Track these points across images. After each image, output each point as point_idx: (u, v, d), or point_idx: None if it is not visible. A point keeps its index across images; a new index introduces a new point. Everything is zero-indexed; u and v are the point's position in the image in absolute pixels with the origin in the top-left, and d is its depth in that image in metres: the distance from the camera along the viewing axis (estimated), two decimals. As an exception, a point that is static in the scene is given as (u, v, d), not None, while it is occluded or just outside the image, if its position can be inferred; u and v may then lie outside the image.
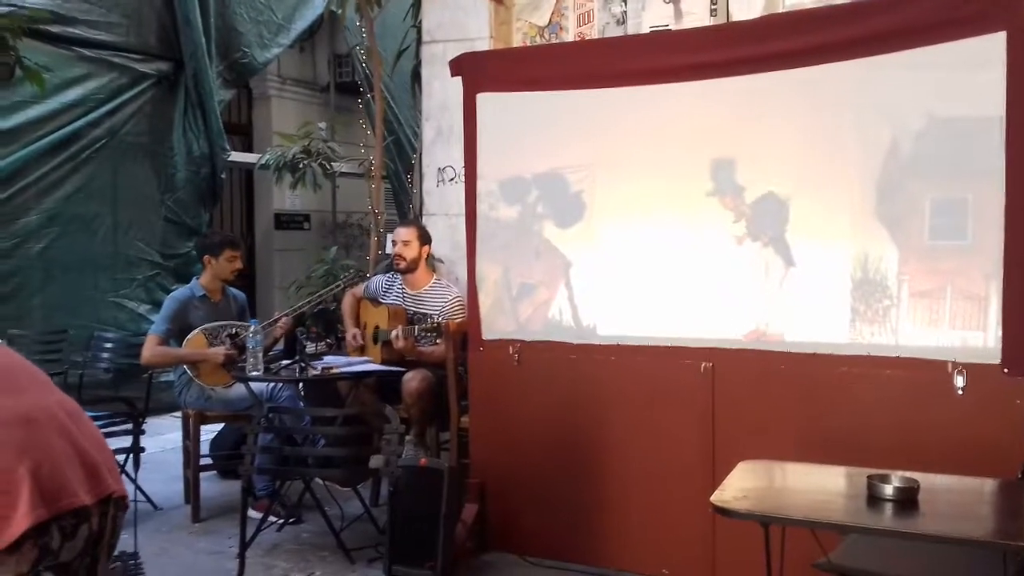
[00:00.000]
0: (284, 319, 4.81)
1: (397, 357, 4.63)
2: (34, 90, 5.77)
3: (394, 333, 4.51)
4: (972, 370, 3.04)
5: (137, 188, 7.05)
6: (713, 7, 4.46)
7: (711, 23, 4.43)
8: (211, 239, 4.94)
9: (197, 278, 4.82)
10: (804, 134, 3.32)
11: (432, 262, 4.96)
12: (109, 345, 5.56)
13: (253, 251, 9.36)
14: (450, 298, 4.70)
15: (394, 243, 4.77)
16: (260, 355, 4.22)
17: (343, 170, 7.78)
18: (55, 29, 6.36)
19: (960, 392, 3.06)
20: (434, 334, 4.36)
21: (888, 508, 2.14)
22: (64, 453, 1.56)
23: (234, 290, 4.95)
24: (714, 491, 2.29)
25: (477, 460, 3.99)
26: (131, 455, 3.99)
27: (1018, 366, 2.98)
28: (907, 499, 2.15)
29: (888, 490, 2.18)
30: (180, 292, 4.82)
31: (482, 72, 3.91)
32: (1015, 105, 2.96)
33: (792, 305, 3.35)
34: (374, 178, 6.16)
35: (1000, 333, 3.00)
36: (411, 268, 4.73)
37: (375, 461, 3.53)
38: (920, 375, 3.13)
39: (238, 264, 4.81)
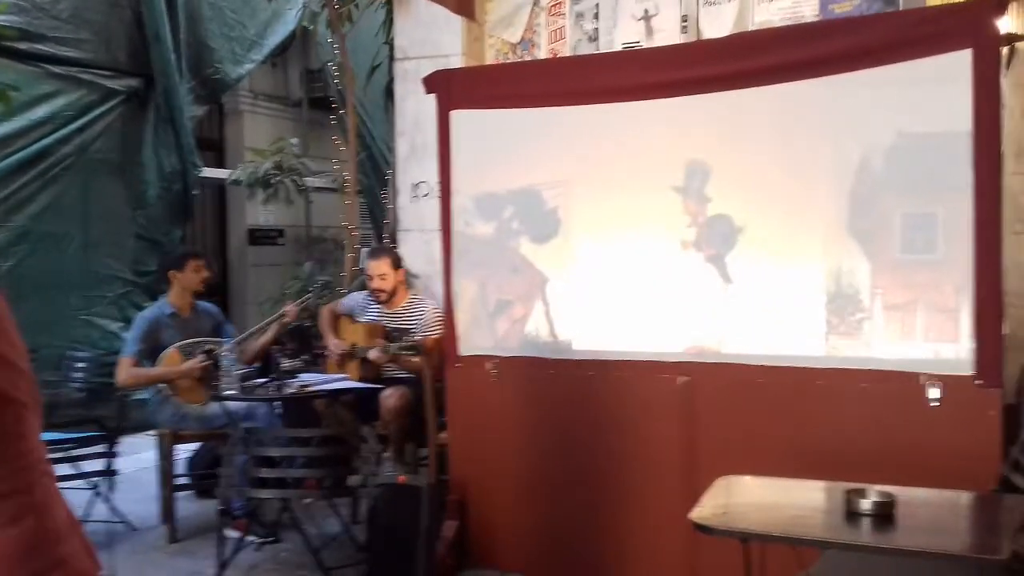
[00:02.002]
0: (293, 309, 4.79)
1: (374, 374, 4.62)
2: (2, 107, 5.70)
3: (372, 352, 4.50)
4: (945, 382, 3.08)
5: (108, 205, 6.97)
6: (684, 24, 4.51)
7: (682, 39, 4.48)
8: (172, 255, 4.94)
9: (165, 296, 4.77)
10: (776, 150, 3.36)
11: (408, 278, 4.96)
12: (81, 364, 5.49)
13: (227, 267, 9.29)
14: (428, 311, 4.70)
15: (370, 277, 4.75)
16: (235, 373, 4.18)
17: (317, 185, 7.76)
18: (23, 46, 6.28)
19: (934, 404, 3.10)
20: (413, 352, 4.36)
21: (866, 523, 2.16)
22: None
23: (206, 304, 4.91)
24: (693, 504, 2.30)
25: (456, 476, 3.98)
26: (105, 477, 3.95)
27: (990, 377, 3.03)
28: (884, 514, 2.18)
29: (865, 505, 2.20)
30: (149, 311, 4.77)
31: (456, 89, 3.92)
32: (981, 120, 3.01)
33: (767, 319, 3.38)
34: (348, 194, 6.14)
35: (972, 345, 3.05)
36: (392, 296, 4.73)
37: (353, 481, 3.51)
38: (894, 387, 3.17)
39: (204, 272, 4.77)
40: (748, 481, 2.64)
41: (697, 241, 3.48)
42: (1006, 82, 3.92)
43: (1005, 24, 3.42)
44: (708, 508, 2.26)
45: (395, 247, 5.15)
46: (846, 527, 2.17)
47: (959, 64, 3.03)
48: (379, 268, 4.70)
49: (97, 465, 4.34)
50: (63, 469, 4.26)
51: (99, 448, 4.38)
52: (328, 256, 9.21)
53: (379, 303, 4.75)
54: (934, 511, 2.38)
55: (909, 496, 2.36)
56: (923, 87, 3.10)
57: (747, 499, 2.50)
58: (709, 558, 3.38)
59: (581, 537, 3.73)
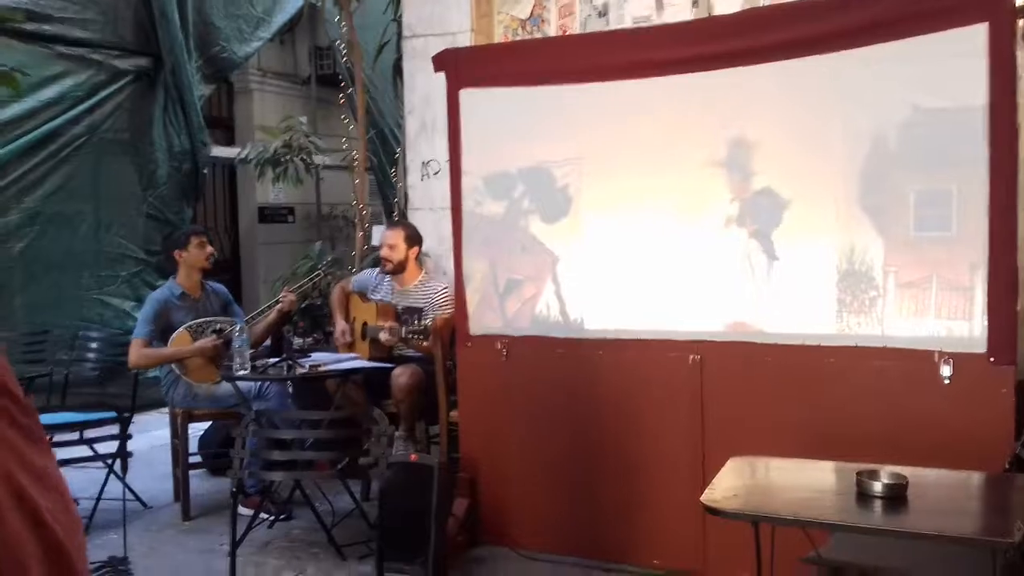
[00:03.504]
0: (289, 296, 4.79)
1: (385, 353, 4.63)
2: (10, 90, 5.69)
3: (382, 334, 4.50)
4: (958, 359, 3.06)
5: (118, 185, 6.98)
6: (695, -1, 4.45)
7: (693, 14, 4.42)
8: (174, 235, 4.93)
9: (174, 278, 4.77)
10: (790, 126, 3.33)
11: (421, 257, 4.95)
12: (94, 345, 5.52)
13: (237, 245, 9.31)
14: (439, 290, 4.69)
15: (381, 246, 4.76)
16: (247, 354, 4.20)
17: (326, 163, 7.73)
18: (30, 27, 6.26)
19: (947, 381, 3.08)
20: (421, 336, 4.35)
21: (877, 505, 2.15)
22: None
23: (215, 284, 4.92)
24: (703, 482, 2.30)
25: (467, 454, 4.00)
26: (119, 459, 3.97)
27: (1004, 355, 3.01)
28: (896, 495, 2.17)
29: (877, 487, 2.20)
30: (159, 292, 4.77)
31: (465, 68, 3.89)
32: (997, 95, 2.97)
33: (778, 296, 3.37)
34: (358, 172, 6.12)
35: (986, 322, 3.03)
36: (398, 270, 4.73)
37: (365, 461, 3.52)
38: (907, 365, 3.15)
39: (209, 248, 4.76)
40: (759, 462, 2.64)
41: (728, 218, 3.44)
42: (1022, 55, 3.86)
43: (1021, -3, 3.36)
44: (719, 490, 2.26)
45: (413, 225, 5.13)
46: (858, 509, 2.16)
47: (975, 38, 2.98)
48: (391, 238, 4.73)
49: (111, 447, 4.37)
50: (77, 451, 4.30)
51: (112, 430, 4.40)
52: (338, 233, 9.23)
53: (384, 272, 4.76)
54: (946, 492, 2.37)
55: (921, 477, 2.35)
56: (939, 61, 3.05)
57: (758, 480, 2.50)
58: (720, 536, 3.38)
59: (591, 515, 3.74)
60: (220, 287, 4.96)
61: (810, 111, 3.29)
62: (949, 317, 3.11)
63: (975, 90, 2.99)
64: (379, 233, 5.31)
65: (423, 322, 4.42)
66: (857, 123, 3.20)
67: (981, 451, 2.89)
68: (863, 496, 2.21)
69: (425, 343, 4.39)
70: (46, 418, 4.46)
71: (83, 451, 4.32)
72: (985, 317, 3.03)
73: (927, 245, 3.13)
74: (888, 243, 3.18)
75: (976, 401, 3.04)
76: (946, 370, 3.07)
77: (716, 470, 2.62)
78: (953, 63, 3.03)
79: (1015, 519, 1.98)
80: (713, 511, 2.15)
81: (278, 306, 4.77)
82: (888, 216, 3.18)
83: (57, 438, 4.31)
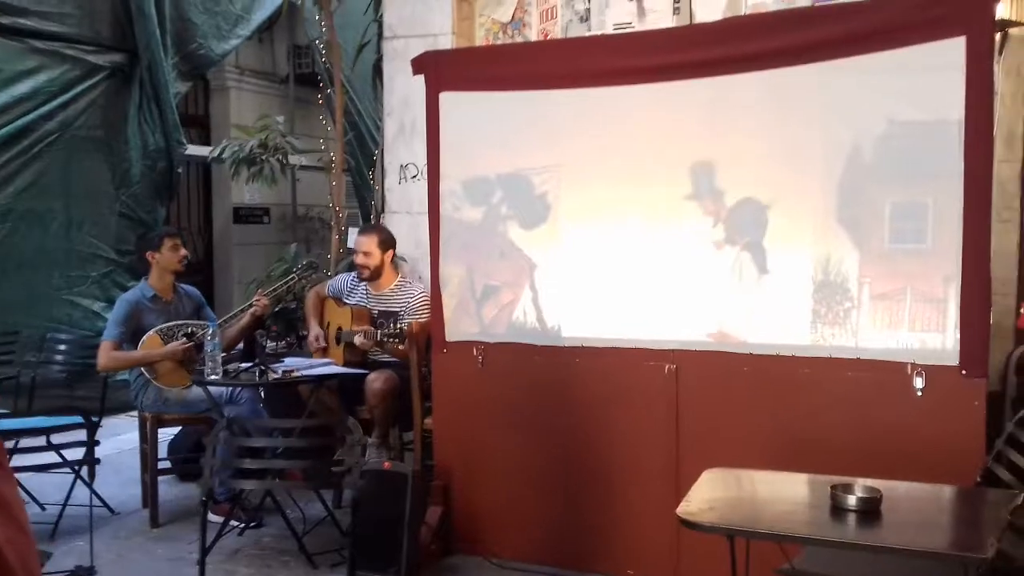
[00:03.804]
0: (263, 300, 4.73)
1: (360, 358, 4.59)
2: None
3: (357, 337, 4.47)
4: (931, 371, 3.08)
5: (91, 183, 6.87)
6: (676, 5, 4.45)
7: (674, 21, 4.43)
8: (147, 236, 4.86)
9: (146, 279, 4.70)
10: (768, 137, 3.32)
11: (396, 261, 4.91)
12: (63, 347, 5.43)
13: (211, 245, 9.21)
14: (415, 294, 4.66)
15: (355, 252, 4.71)
16: (219, 358, 4.14)
17: (303, 163, 7.67)
18: (5, 21, 6.17)
19: (919, 393, 3.09)
20: (397, 339, 4.32)
21: (851, 519, 2.15)
22: None
23: (187, 287, 4.85)
24: (677, 490, 2.29)
25: (441, 462, 3.97)
26: (86, 466, 3.91)
27: (976, 367, 3.03)
28: (870, 509, 2.17)
29: (851, 500, 2.20)
30: (130, 294, 4.70)
31: (445, 71, 3.86)
32: (974, 109, 2.99)
33: (755, 307, 3.37)
34: (335, 174, 6.07)
35: (958, 335, 3.04)
36: (375, 276, 4.69)
37: (337, 470, 3.49)
38: (880, 376, 3.16)
39: (183, 251, 4.69)
40: (734, 474, 2.63)
41: (706, 228, 3.42)
42: (999, 68, 3.89)
43: (998, 10, 3.38)
44: (694, 503, 2.25)
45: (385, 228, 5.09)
46: (831, 523, 2.16)
47: (952, 52, 2.99)
48: (365, 245, 4.66)
49: (78, 452, 4.30)
50: (44, 456, 4.22)
51: (80, 435, 4.33)
52: (314, 235, 9.15)
53: (361, 280, 4.72)
54: (920, 505, 2.37)
55: (894, 490, 2.35)
56: (916, 74, 3.06)
57: (733, 493, 2.49)
58: (695, 545, 3.37)
59: (566, 524, 3.72)
60: (193, 290, 4.89)
61: (790, 121, 3.29)
62: (922, 329, 3.13)
63: (952, 103, 3.00)
64: (354, 236, 5.26)
65: (399, 325, 4.39)
66: (836, 134, 3.20)
67: (953, 463, 2.90)
68: (837, 510, 2.21)
69: (401, 346, 4.36)
70: (12, 423, 4.39)
71: (50, 456, 4.24)
72: (958, 330, 3.05)
73: (902, 257, 3.14)
74: (863, 255, 3.19)
75: (948, 413, 3.05)
76: (919, 382, 3.09)
77: (690, 479, 2.61)
78: (931, 76, 3.04)
79: (988, 534, 1.98)
80: (689, 524, 2.14)
81: (251, 310, 4.71)
82: (864, 228, 3.19)
83: (23, 443, 4.24)
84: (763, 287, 3.34)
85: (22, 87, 6.34)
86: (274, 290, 4.97)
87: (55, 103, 6.55)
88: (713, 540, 2.42)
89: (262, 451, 3.56)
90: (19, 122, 6.32)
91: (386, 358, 4.62)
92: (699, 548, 3.32)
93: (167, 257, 4.62)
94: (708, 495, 2.35)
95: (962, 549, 2.01)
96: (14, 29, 6.26)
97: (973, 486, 2.61)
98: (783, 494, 2.49)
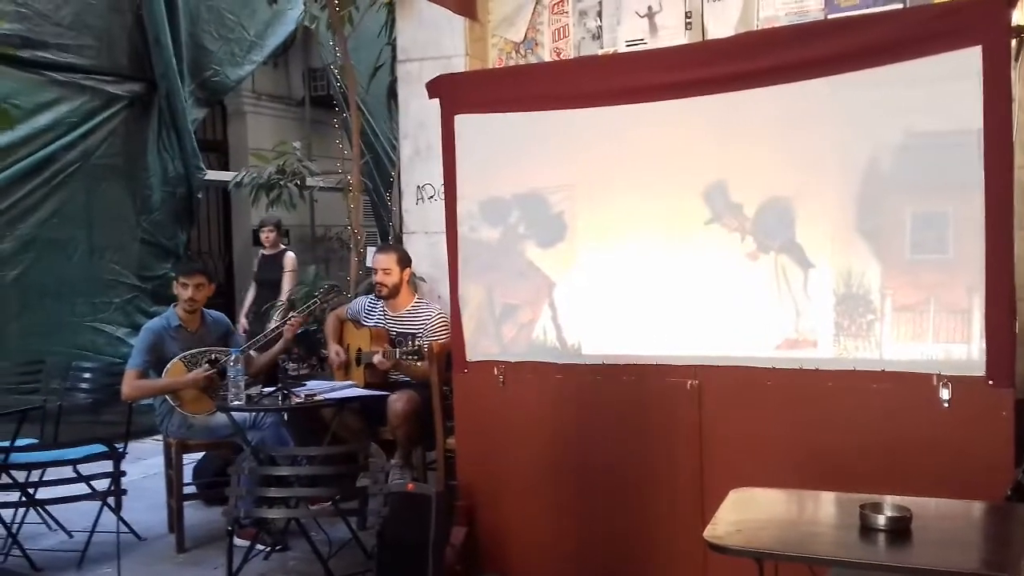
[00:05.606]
0: (296, 320, 4.76)
1: (380, 379, 4.61)
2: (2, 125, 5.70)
3: (376, 356, 4.49)
4: (957, 382, 3.04)
5: (112, 210, 6.96)
6: (688, 21, 4.46)
7: (686, 37, 4.43)
8: (178, 265, 4.89)
9: (174, 306, 4.74)
10: (785, 150, 3.31)
11: (414, 281, 4.93)
12: (88, 374, 5.48)
13: (232, 269, 9.28)
14: (433, 315, 4.68)
15: (374, 271, 4.76)
16: (242, 384, 4.16)
17: (321, 184, 7.72)
18: (25, 54, 6.27)
19: (946, 405, 3.06)
20: (416, 357, 4.33)
21: (881, 539, 2.13)
22: None
23: (214, 313, 4.88)
24: (703, 508, 2.27)
25: (464, 482, 3.96)
26: (112, 497, 3.93)
27: (1002, 377, 2.99)
28: (900, 528, 2.14)
29: (881, 520, 2.17)
30: (155, 323, 4.73)
31: (459, 94, 3.88)
32: (992, 118, 2.96)
33: (777, 321, 3.34)
34: (352, 196, 6.11)
35: (984, 345, 3.01)
36: (393, 294, 4.72)
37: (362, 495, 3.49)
38: (906, 389, 3.12)
39: (189, 292, 4.60)
40: (760, 494, 2.60)
41: (724, 243, 3.40)
42: (1016, 75, 3.86)
43: (1014, 16, 3.36)
44: (721, 526, 2.23)
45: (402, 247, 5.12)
46: (860, 544, 2.13)
47: (969, 61, 2.97)
48: (384, 262, 4.72)
49: (104, 483, 4.32)
50: (72, 488, 4.26)
51: (106, 465, 4.36)
52: (333, 255, 9.20)
53: (380, 297, 4.74)
54: (950, 524, 2.34)
55: (924, 508, 2.32)
56: (933, 84, 3.04)
57: (760, 515, 2.46)
58: (721, 567, 3.34)
59: (590, 543, 3.70)
60: (220, 316, 4.92)
61: (806, 135, 3.27)
62: (947, 340, 3.09)
63: (970, 112, 2.98)
64: (371, 255, 5.29)
65: (417, 343, 4.41)
66: (853, 147, 3.18)
67: (982, 475, 2.86)
68: (866, 530, 2.18)
69: (419, 363, 4.37)
70: (39, 455, 4.42)
71: (79, 487, 4.27)
72: (983, 339, 3.01)
73: (924, 268, 3.12)
74: (885, 266, 3.17)
75: (976, 424, 3.01)
76: (945, 393, 3.06)
77: (715, 495, 2.59)
78: (948, 86, 3.02)
79: (1020, 552, 1.95)
80: (717, 548, 2.12)
81: (289, 328, 4.73)
82: (885, 239, 3.16)
83: (50, 474, 4.28)
84: (784, 300, 3.32)
85: (43, 119, 6.44)
86: (307, 307, 4.98)
87: (76, 133, 6.65)
88: (741, 561, 2.40)
89: (287, 479, 3.56)
90: (41, 153, 6.42)
91: (406, 379, 4.63)
92: (726, 567, 3.29)
93: (178, 294, 4.68)
94: (735, 517, 2.33)
95: (994, 569, 1.98)
96: (34, 62, 6.36)
97: (1003, 500, 2.57)
98: (811, 514, 2.46)
